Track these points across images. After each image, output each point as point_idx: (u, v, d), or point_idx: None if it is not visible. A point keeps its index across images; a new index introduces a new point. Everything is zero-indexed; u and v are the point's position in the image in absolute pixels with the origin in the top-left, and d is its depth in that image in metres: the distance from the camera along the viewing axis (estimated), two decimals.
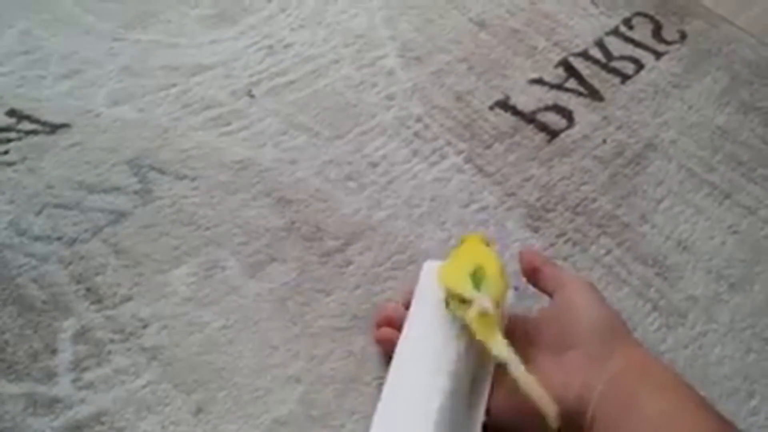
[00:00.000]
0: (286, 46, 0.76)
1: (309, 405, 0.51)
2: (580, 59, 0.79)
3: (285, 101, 0.71)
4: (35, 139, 0.64)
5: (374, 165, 0.66)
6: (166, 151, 0.64)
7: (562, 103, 0.74)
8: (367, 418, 0.48)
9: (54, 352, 0.51)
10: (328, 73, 0.74)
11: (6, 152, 0.62)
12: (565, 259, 0.61)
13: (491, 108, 0.73)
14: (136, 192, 0.61)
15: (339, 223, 0.61)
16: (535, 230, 0.63)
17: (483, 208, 0.64)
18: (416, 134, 0.69)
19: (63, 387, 0.49)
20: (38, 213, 0.59)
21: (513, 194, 0.65)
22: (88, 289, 0.55)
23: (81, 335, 0.52)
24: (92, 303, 0.54)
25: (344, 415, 0.50)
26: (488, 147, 0.69)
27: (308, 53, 0.76)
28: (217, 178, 0.63)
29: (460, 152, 0.68)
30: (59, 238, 0.57)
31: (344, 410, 0.51)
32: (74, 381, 0.50)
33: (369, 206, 0.63)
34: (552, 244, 0.62)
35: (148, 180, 0.62)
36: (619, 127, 0.73)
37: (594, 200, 0.66)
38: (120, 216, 0.59)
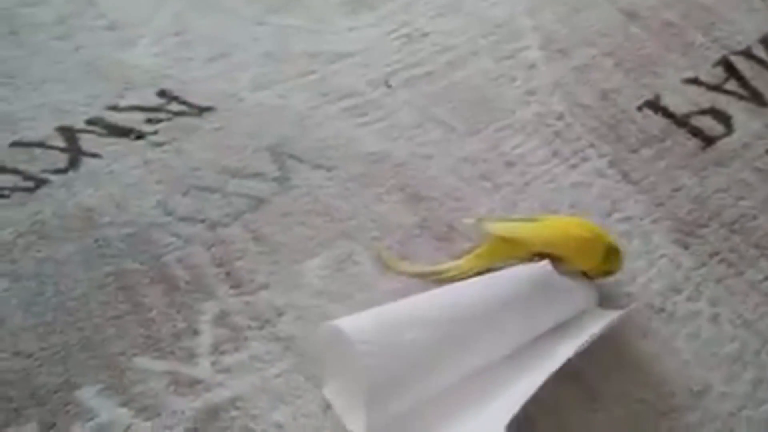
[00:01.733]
0: (424, 35, 0.75)
1: None
2: (741, 58, 0.73)
3: (421, 93, 0.69)
4: (183, 120, 0.66)
5: (511, 164, 0.64)
6: (304, 140, 0.65)
7: (720, 107, 0.69)
8: None
9: (195, 333, 0.53)
10: (466, 65, 0.72)
11: (156, 132, 0.65)
12: (718, 281, 0.56)
13: (639, 108, 0.68)
14: (275, 179, 0.62)
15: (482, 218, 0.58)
16: (685, 247, 0.58)
17: (627, 219, 0.60)
18: (557, 133, 0.66)
19: (203, 369, 0.51)
20: (184, 194, 0.61)
21: (661, 205, 0.61)
22: (227, 274, 0.56)
23: (221, 319, 0.53)
24: (231, 287, 0.55)
25: None
26: (635, 151, 0.65)
27: (446, 43, 0.74)
28: (352, 169, 0.63)
29: (603, 155, 0.65)
30: (203, 221, 0.59)
31: None
32: (213, 364, 0.51)
33: (504, 208, 0.61)
34: (704, 264, 0.57)
35: (287, 168, 0.63)
36: None
37: (754, 218, 0.60)
38: (259, 202, 0.60)
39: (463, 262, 0.55)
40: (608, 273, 0.53)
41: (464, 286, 0.51)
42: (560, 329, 0.50)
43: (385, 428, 0.44)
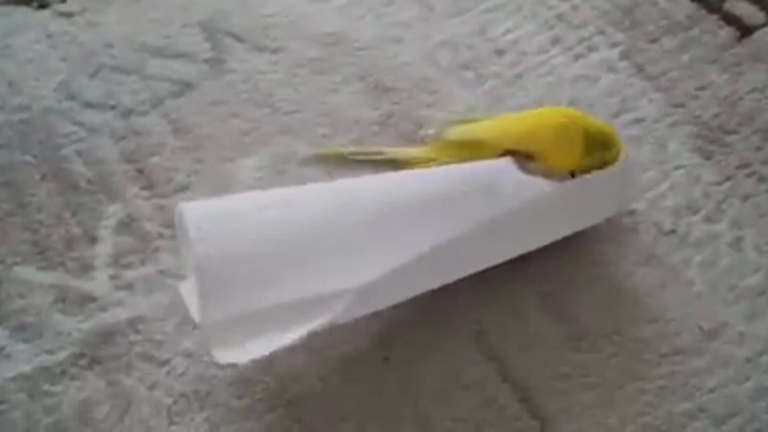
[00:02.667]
0: None
1: None
2: None
3: None
4: None
5: (500, 52, 0.54)
6: (246, 15, 0.55)
7: None
8: None
9: (93, 241, 0.44)
10: None
11: (64, 1, 0.55)
12: (745, 199, 0.47)
13: None
14: (206, 60, 0.52)
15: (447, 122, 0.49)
16: (708, 156, 0.49)
17: (638, 121, 0.51)
18: (559, 17, 0.56)
19: (99, 283, 0.43)
20: (93, 75, 0.52)
21: (681, 105, 0.52)
22: (139, 171, 0.47)
23: (126, 225, 0.45)
24: (143, 188, 0.47)
25: None
26: (654, 41, 0.55)
27: None
28: (303, 53, 0.53)
29: (615, 45, 0.55)
30: (113, 107, 0.50)
31: None
32: (112, 278, 0.43)
33: (488, 104, 0.52)
34: (729, 178, 0.48)
35: (222, 47, 0.53)
36: None
37: None
38: (185, 87, 0.51)
39: (419, 151, 0.47)
40: (599, 167, 0.43)
41: (372, 179, 0.42)
42: None
43: (230, 321, 0.37)
